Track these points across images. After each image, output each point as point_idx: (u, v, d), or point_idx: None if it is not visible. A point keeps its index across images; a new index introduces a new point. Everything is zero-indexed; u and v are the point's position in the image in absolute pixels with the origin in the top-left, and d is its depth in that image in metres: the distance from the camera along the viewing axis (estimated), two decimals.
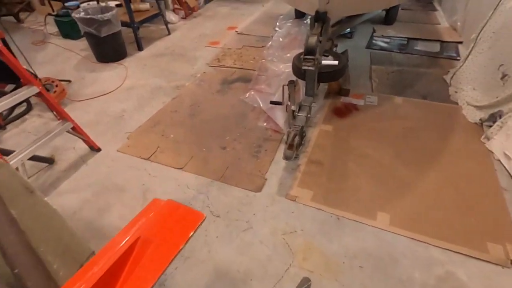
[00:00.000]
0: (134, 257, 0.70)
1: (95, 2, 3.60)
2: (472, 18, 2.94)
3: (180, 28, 4.03)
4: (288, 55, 2.91)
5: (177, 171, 1.88)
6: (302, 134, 1.81)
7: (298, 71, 2.02)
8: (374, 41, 3.33)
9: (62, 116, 1.87)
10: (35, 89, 1.70)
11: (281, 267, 1.36)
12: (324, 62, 1.86)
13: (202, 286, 1.32)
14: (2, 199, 0.71)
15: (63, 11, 3.67)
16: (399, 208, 1.58)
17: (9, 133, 2.26)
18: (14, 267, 0.65)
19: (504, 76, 2.01)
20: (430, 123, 2.14)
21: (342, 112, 2.30)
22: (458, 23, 3.31)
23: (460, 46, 3.10)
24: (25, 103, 2.48)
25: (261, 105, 2.37)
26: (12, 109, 2.43)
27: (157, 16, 3.67)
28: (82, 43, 3.50)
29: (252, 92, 2.53)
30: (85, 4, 3.50)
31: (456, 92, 2.41)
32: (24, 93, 1.67)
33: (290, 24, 3.60)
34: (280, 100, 1.87)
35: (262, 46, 3.32)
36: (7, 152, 1.64)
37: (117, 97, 2.65)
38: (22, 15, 4.51)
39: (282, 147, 2.00)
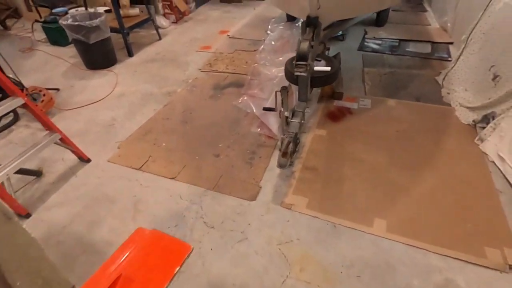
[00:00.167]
0: None
1: (83, 8, 3.54)
2: (462, 19, 2.96)
3: (171, 33, 3.99)
4: (281, 58, 2.89)
5: (169, 180, 1.84)
6: (296, 141, 1.78)
7: (290, 76, 2.00)
8: (366, 43, 3.33)
9: (49, 127, 1.81)
10: (20, 101, 1.65)
11: (278, 279, 1.33)
12: (316, 68, 1.84)
13: None
14: None
15: (51, 18, 3.60)
16: (396, 213, 1.57)
17: None
18: None
19: (495, 77, 2.02)
20: (423, 125, 2.14)
21: (336, 116, 2.29)
22: (448, 24, 3.33)
23: (451, 47, 3.12)
24: (12, 113, 2.41)
25: (254, 110, 2.34)
26: None
27: (147, 21, 3.62)
28: (71, 50, 3.43)
29: (245, 97, 2.50)
30: (73, 10, 3.45)
31: (448, 93, 2.42)
32: (8, 104, 1.62)
33: (282, 27, 3.58)
34: (273, 106, 1.85)
35: (254, 50, 3.30)
36: None
37: (107, 105, 2.59)
38: (9, 22, 4.42)
39: (276, 153, 1.97)
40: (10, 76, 2.49)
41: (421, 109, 2.31)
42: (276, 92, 1.70)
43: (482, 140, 1.93)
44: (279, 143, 2.02)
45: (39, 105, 2.38)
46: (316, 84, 2.04)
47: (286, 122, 1.77)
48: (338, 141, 2.05)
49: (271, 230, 1.53)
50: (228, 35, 3.79)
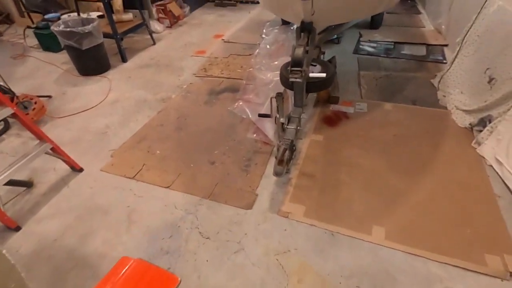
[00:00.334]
0: None
1: (76, 14, 3.50)
2: (456, 21, 2.97)
3: (165, 38, 3.96)
4: (276, 62, 2.87)
5: (164, 190, 1.80)
6: (292, 148, 1.76)
7: (286, 81, 1.97)
8: (361, 46, 3.32)
9: (40, 137, 1.77)
10: (9, 110, 1.61)
11: None
12: (312, 75, 1.82)
13: None
14: None
15: (43, 24, 3.56)
16: (394, 220, 1.54)
17: None
18: None
19: (491, 79, 2.01)
20: (420, 129, 2.12)
21: (332, 120, 2.27)
22: (443, 26, 3.34)
23: (445, 49, 3.12)
24: (2, 122, 2.36)
25: (250, 116, 2.32)
26: None
27: (141, 26, 3.59)
28: (64, 56, 3.39)
29: (241, 103, 2.48)
30: (65, 16, 3.41)
31: (444, 96, 2.41)
32: None
33: (277, 30, 3.57)
34: (268, 112, 1.82)
35: (250, 54, 3.28)
36: None
37: (100, 112, 2.55)
38: (1, 28, 4.37)
39: (273, 160, 1.94)
40: (1, 84, 2.44)
41: (418, 112, 2.29)
42: (271, 98, 1.68)
43: (479, 144, 1.92)
44: (275, 149, 1.99)
45: (30, 113, 2.33)
46: (311, 89, 2.01)
47: (282, 128, 1.74)
48: (335, 146, 2.03)
49: (268, 240, 1.50)
50: (223, 39, 3.77)
